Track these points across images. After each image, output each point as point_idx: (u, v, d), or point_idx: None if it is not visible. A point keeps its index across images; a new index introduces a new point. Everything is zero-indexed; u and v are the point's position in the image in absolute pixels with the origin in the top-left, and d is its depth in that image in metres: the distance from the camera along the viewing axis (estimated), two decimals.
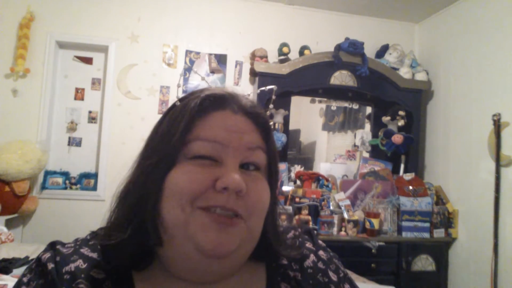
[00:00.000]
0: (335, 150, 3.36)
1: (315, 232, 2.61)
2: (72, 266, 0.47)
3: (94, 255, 0.49)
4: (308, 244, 0.60)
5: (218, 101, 0.51)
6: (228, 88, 0.55)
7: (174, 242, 0.48)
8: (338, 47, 2.95)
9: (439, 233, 2.75)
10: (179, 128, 0.49)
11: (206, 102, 0.50)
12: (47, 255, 0.49)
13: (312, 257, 0.57)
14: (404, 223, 2.70)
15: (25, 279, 0.48)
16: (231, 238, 0.46)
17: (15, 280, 1.50)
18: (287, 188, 2.74)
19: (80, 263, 0.48)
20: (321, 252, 0.59)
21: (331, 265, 0.58)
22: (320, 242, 0.62)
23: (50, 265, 0.47)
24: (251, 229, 0.49)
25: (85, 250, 0.50)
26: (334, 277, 0.56)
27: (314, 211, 2.61)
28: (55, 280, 0.46)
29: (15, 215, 2.61)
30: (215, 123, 0.50)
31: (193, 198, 0.46)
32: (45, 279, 0.47)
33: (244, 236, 0.48)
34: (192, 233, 0.45)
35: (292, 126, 3.11)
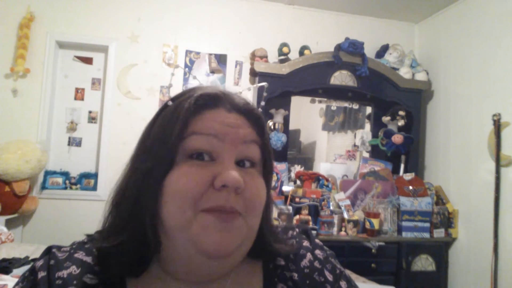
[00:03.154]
0: (335, 150, 3.36)
1: (314, 231, 2.60)
2: (64, 272, 0.47)
3: (89, 259, 0.49)
4: (305, 243, 0.60)
5: (211, 100, 0.51)
6: (219, 87, 0.54)
7: (174, 244, 0.48)
8: (338, 47, 2.95)
9: (439, 233, 2.75)
10: (174, 129, 0.48)
11: (199, 101, 0.50)
12: (41, 262, 0.49)
13: (308, 256, 0.58)
14: (404, 223, 2.70)
15: None
16: (232, 236, 0.46)
17: (15, 280, 1.49)
18: (287, 188, 2.74)
19: (73, 269, 0.48)
20: (317, 251, 0.59)
21: (327, 264, 0.58)
22: (317, 240, 0.62)
23: (41, 274, 0.47)
24: (250, 226, 0.49)
25: (79, 254, 0.50)
26: (329, 277, 0.56)
27: (314, 211, 2.61)
28: None
29: (15, 215, 2.62)
30: (210, 119, 0.49)
31: (195, 200, 0.45)
32: None
33: (244, 233, 0.48)
34: (194, 235, 0.45)
35: (292, 126, 3.11)
